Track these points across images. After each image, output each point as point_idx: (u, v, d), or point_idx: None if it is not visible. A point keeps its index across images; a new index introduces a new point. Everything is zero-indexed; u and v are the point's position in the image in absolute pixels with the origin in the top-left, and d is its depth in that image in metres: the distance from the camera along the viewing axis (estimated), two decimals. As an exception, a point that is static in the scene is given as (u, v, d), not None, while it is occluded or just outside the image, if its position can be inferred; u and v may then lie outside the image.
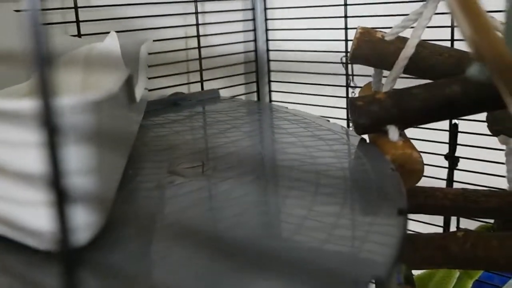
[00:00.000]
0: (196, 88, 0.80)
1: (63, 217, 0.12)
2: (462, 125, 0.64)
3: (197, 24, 0.78)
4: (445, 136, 0.65)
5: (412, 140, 0.47)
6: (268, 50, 0.87)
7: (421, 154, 0.45)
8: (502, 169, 0.55)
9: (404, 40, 0.50)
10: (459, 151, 0.65)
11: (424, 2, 0.49)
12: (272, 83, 0.88)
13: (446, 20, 0.61)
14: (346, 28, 0.74)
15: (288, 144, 0.48)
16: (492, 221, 0.56)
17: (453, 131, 0.65)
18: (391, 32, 0.52)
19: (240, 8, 0.85)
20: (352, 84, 0.74)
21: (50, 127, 0.12)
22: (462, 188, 0.53)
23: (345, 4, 0.74)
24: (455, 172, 0.66)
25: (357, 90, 0.71)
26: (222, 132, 0.53)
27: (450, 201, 0.51)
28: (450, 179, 0.66)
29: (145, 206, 0.35)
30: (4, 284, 0.24)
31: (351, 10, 0.74)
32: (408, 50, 0.49)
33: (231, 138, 0.51)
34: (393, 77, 0.50)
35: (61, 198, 0.12)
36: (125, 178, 0.37)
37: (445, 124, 0.64)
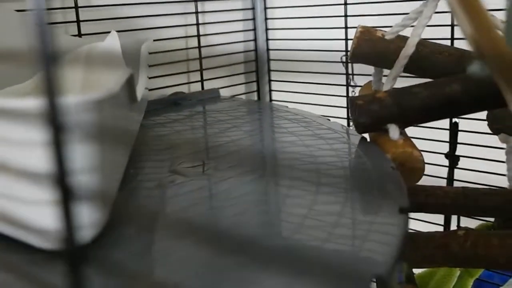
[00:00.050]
0: (196, 87, 0.80)
1: (69, 215, 0.12)
2: (463, 123, 0.64)
3: (197, 24, 0.78)
4: (446, 135, 0.65)
5: (412, 139, 0.47)
6: (268, 49, 0.87)
7: (422, 152, 0.45)
8: (502, 168, 0.55)
9: (404, 39, 0.50)
10: (460, 150, 0.65)
11: (424, 1, 0.49)
12: (272, 82, 0.89)
13: (446, 18, 0.61)
14: (346, 27, 0.74)
15: (289, 143, 0.48)
16: (492, 219, 0.57)
17: (454, 129, 0.65)
18: (391, 31, 0.52)
19: (240, 8, 0.85)
20: (352, 83, 0.74)
21: (56, 126, 0.12)
22: (463, 187, 0.53)
23: (345, 4, 0.74)
24: (456, 170, 0.66)
25: (357, 89, 0.71)
26: (223, 132, 0.53)
27: (450, 200, 0.51)
28: (450, 178, 0.66)
29: (146, 205, 0.35)
30: (9, 283, 0.25)
31: (351, 9, 0.74)
32: (409, 49, 0.49)
33: (231, 138, 0.51)
34: (394, 76, 0.50)
35: (67, 196, 0.12)
36: (126, 178, 0.37)
37: (445, 122, 0.64)
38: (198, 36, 0.78)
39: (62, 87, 0.12)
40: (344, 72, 0.75)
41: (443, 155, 0.65)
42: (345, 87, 0.76)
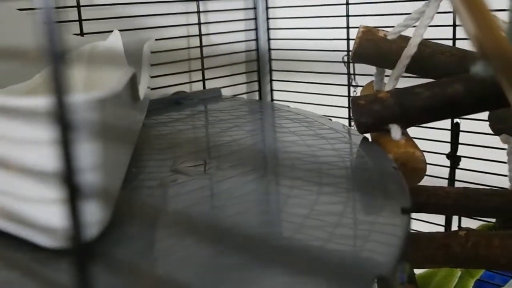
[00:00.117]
0: (198, 87, 0.80)
1: (76, 213, 0.13)
2: (464, 124, 0.64)
3: (199, 23, 0.78)
4: (447, 135, 0.65)
5: (414, 139, 0.47)
6: (269, 49, 0.87)
7: (423, 153, 0.45)
8: (504, 168, 0.55)
9: (406, 39, 0.50)
10: (461, 150, 0.65)
11: (426, 1, 0.49)
12: (273, 82, 0.89)
13: (448, 19, 0.61)
14: (348, 27, 0.74)
15: (290, 143, 0.48)
16: (493, 220, 0.57)
17: (455, 130, 0.65)
18: (393, 31, 0.52)
19: (242, 7, 0.85)
20: (354, 83, 0.74)
21: (64, 124, 0.12)
22: (464, 187, 0.53)
23: (347, 4, 0.74)
24: (457, 171, 0.65)
25: (359, 89, 0.71)
26: (224, 131, 0.53)
27: (451, 200, 0.51)
28: (452, 178, 0.66)
29: (148, 204, 0.35)
30: (14, 281, 0.25)
31: (353, 9, 0.74)
32: (410, 49, 0.49)
33: (233, 137, 0.51)
34: (395, 76, 0.50)
35: (75, 194, 0.12)
36: (128, 176, 0.37)
37: (447, 123, 0.64)
38: (200, 35, 0.78)
39: (70, 86, 0.12)
40: (346, 72, 0.75)
41: (444, 156, 0.65)
42: (346, 87, 0.76)
